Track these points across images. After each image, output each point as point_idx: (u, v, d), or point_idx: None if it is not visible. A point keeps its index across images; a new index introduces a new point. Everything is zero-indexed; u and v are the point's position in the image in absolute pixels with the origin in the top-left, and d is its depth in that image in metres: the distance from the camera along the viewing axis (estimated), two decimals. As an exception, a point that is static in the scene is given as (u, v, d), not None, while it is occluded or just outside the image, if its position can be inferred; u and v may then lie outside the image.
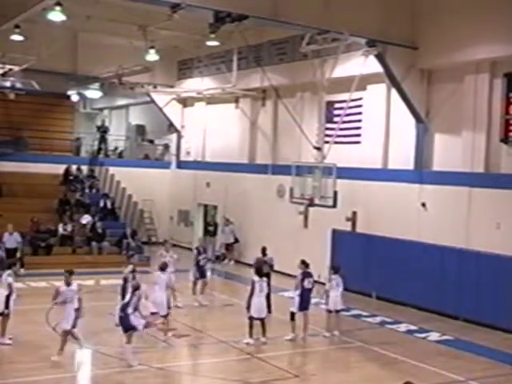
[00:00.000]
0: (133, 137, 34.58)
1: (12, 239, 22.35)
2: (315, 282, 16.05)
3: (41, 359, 13.03)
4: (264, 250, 18.03)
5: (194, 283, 18.77)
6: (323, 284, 17.63)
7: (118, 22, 23.18)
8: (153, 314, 14.70)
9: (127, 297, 13.33)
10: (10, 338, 13.90)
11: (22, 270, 20.52)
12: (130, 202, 30.54)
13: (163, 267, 15.69)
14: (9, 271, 14.18)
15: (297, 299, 15.51)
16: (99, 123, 35.04)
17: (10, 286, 13.89)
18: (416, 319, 17.79)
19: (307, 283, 15.43)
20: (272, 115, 25.76)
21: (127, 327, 12.91)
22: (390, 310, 18.92)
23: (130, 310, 12.90)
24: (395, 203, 20.23)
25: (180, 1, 15.77)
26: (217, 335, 15.43)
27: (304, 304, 15.44)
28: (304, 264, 15.70)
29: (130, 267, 15.87)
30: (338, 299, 15.85)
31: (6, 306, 13.82)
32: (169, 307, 15.19)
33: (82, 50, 27.86)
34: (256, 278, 14.96)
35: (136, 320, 12.91)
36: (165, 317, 14.96)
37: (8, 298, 13.86)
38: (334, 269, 16.38)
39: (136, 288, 13.28)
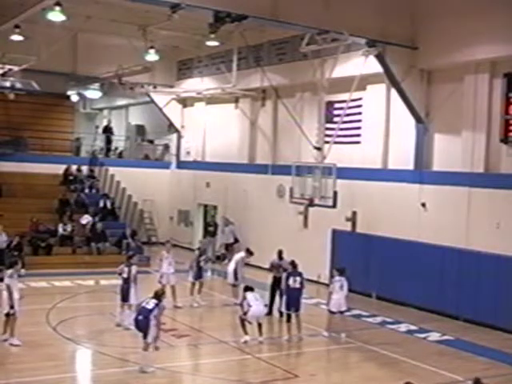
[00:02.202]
0: (133, 137, 34.60)
1: (1, 239, 22.31)
2: (316, 282, 16.07)
3: (42, 359, 13.04)
4: (280, 254, 17.90)
5: (193, 284, 18.75)
6: (322, 284, 17.71)
7: (118, 21, 23.15)
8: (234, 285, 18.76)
9: (152, 303, 12.76)
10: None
11: (23, 271, 20.49)
12: (129, 202, 30.52)
13: (249, 250, 19.13)
14: (10, 271, 14.11)
15: (283, 298, 15.64)
16: (104, 124, 35.23)
17: (8, 287, 13.80)
18: (416, 319, 17.79)
19: (292, 282, 15.45)
20: (272, 115, 25.75)
21: (145, 331, 12.57)
22: (390, 310, 18.92)
23: (152, 319, 12.54)
24: (395, 203, 20.22)
25: (180, 1, 15.77)
26: (217, 335, 15.42)
27: (292, 303, 15.42)
28: (292, 265, 15.83)
29: (135, 268, 15.90)
30: (341, 301, 15.69)
31: (11, 305, 13.78)
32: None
33: (81, 50, 27.86)
34: (247, 293, 14.94)
35: (154, 331, 12.58)
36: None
37: (10, 297, 13.80)
38: (339, 270, 16.03)
39: (162, 293, 13.05)
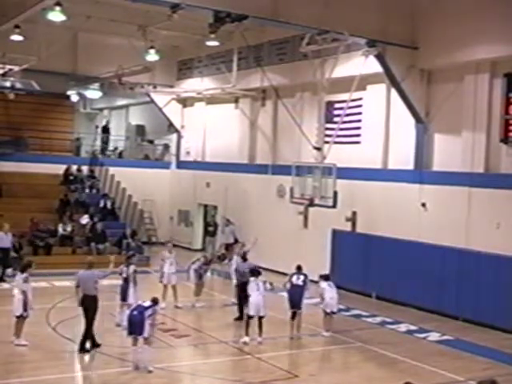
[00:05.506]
0: (133, 137, 34.61)
1: (7, 239, 22.30)
2: (316, 282, 16.09)
3: (41, 359, 13.05)
4: (244, 255, 17.90)
5: (201, 285, 18.69)
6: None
7: (118, 21, 23.20)
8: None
9: (148, 302, 12.92)
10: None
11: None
12: (130, 202, 30.52)
13: (244, 257, 18.18)
14: (24, 275, 14.05)
15: (286, 295, 15.76)
16: (103, 123, 35.29)
17: (24, 292, 13.83)
18: (416, 319, 17.79)
19: (295, 279, 15.61)
20: (272, 115, 25.76)
21: (137, 330, 12.59)
22: (389, 310, 18.93)
23: (148, 319, 12.61)
24: (395, 203, 20.22)
25: (180, 1, 15.77)
26: (217, 335, 15.43)
27: (294, 299, 15.46)
28: (297, 268, 15.97)
29: (133, 267, 15.89)
30: (334, 301, 15.80)
31: (25, 308, 13.80)
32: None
33: (81, 50, 27.90)
34: (251, 278, 15.16)
35: (149, 329, 12.64)
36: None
37: (25, 300, 13.83)
38: (323, 277, 16.14)
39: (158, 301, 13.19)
